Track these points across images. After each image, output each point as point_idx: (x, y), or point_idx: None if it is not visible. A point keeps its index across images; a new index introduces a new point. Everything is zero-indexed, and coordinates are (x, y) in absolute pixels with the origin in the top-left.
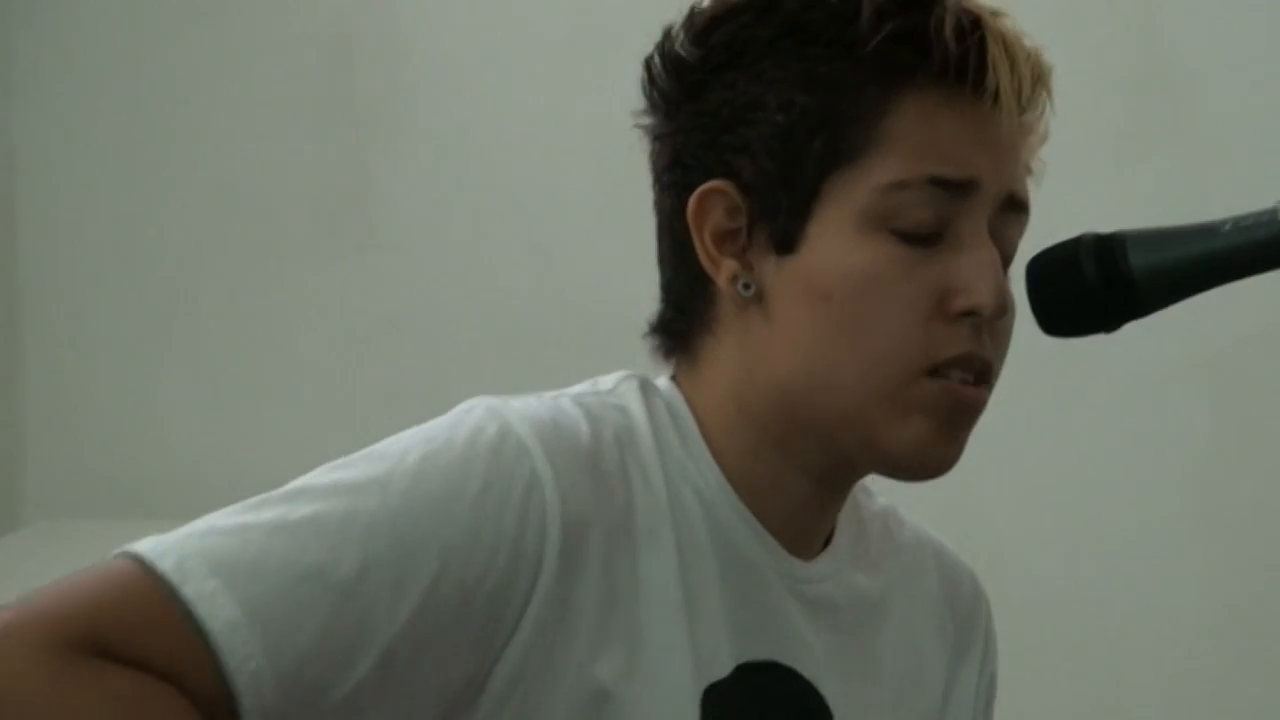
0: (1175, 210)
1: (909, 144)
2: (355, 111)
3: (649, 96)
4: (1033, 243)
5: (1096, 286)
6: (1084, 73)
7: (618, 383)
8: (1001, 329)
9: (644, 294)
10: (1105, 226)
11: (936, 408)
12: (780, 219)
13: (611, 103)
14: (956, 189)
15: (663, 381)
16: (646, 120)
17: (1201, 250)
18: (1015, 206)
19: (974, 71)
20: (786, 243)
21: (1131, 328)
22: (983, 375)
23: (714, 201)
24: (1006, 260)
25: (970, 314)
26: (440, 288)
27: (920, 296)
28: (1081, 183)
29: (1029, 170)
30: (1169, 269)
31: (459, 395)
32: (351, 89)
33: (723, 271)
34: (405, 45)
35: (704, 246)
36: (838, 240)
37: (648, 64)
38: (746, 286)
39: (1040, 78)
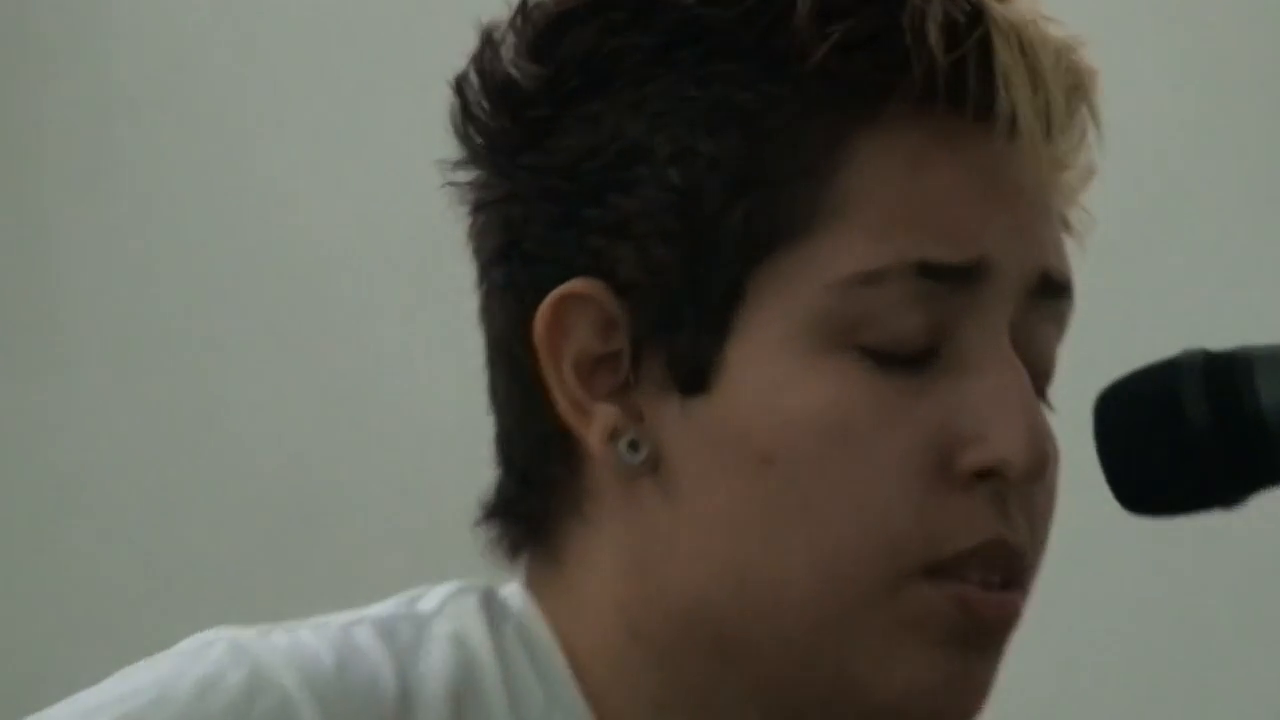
0: None
1: (881, 210)
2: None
3: (465, 140)
4: (1118, 354)
5: (1207, 437)
6: (1206, 80)
7: (447, 600)
8: (1040, 494)
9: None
10: (1232, 321)
11: (944, 629)
12: (684, 338)
13: (415, 157)
14: (958, 277)
15: (513, 594)
16: (463, 176)
17: None
18: (1051, 290)
19: (976, 90)
20: (695, 376)
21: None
22: (1014, 572)
23: (576, 313)
24: (1043, 376)
25: (991, 474)
26: (160, 423)
27: (912, 452)
28: (1201, 247)
29: (1068, 228)
30: None
31: (209, 589)
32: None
33: (595, 423)
34: (102, 83)
35: (563, 384)
36: (776, 367)
37: (459, 87)
38: (634, 446)
39: (1079, 88)
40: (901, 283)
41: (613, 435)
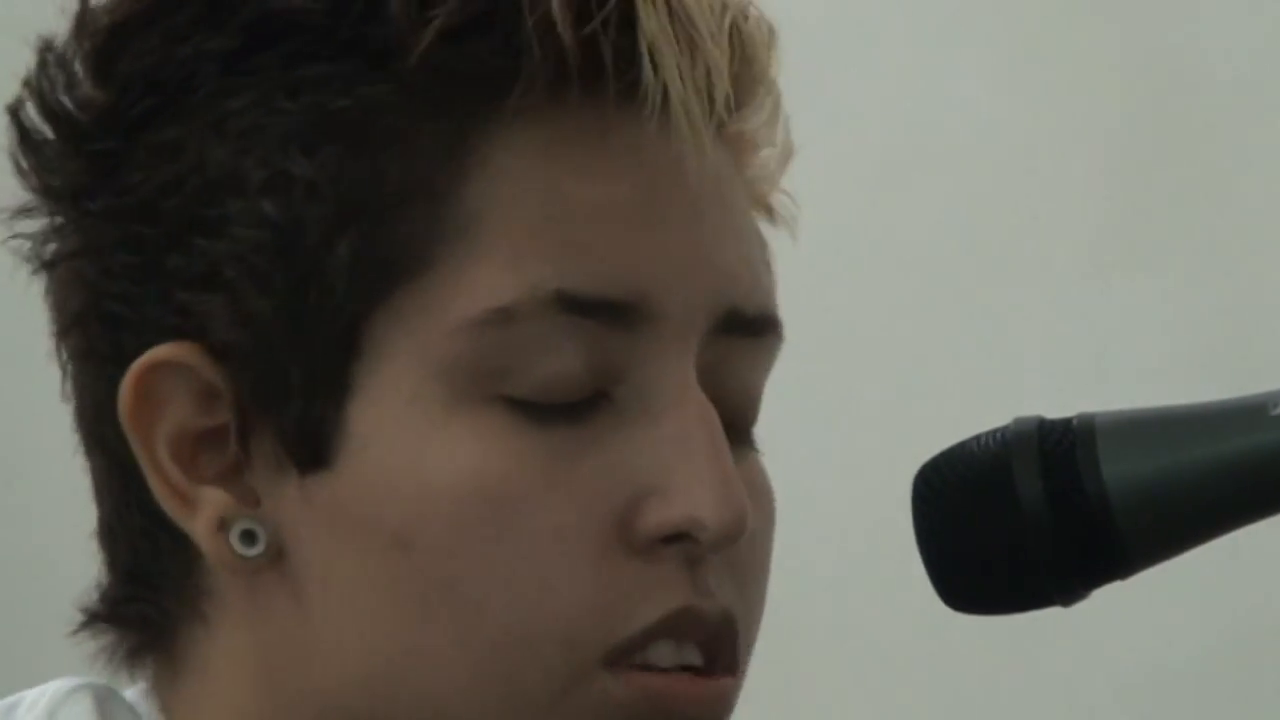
0: (1187, 342)
1: (513, 232)
2: None
3: (29, 180)
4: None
5: (1042, 522)
6: (1061, 120)
7: (55, 706)
8: (746, 552)
9: None
10: (1079, 365)
11: None
12: (294, 406)
13: None
14: (611, 314)
15: (140, 696)
16: (34, 227)
17: (1234, 451)
18: (746, 327)
19: (615, 67)
20: (312, 448)
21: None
22: (715, 646)
23: (168, 383)
24: (744, 418)
25: (680, 537)
26: None
27: (577, 518)
28: (1046, 294)
29: (770, 214)
30: (1172, 487)
31: None
32: None
33: (201, 514)
34: None
35: (159, 469)
36: (406, 431)
37: (15, 116)
38: (249, 538)
39: (749, 49)
40: (542, 320)
41: (222, 525)
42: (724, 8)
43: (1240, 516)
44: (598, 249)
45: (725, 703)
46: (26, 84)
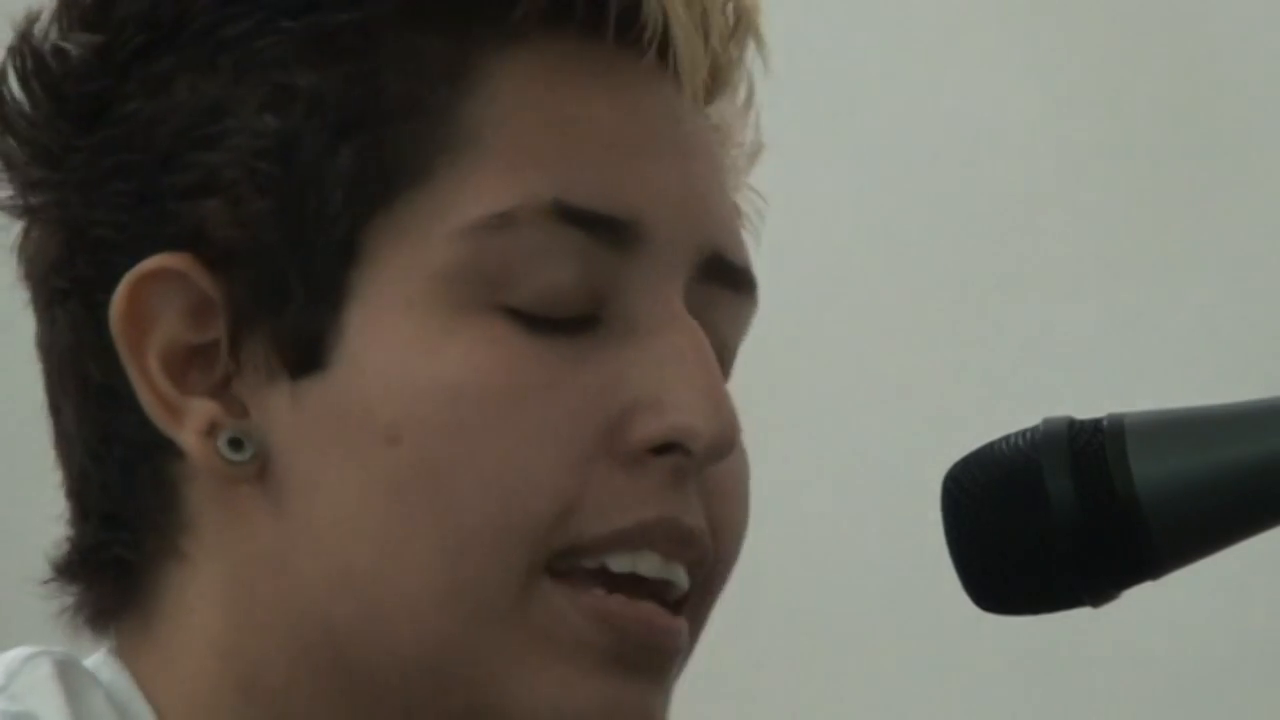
0: (1219, 349)
1: (514, 143)
2: None
3: (12, 145)
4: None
5: (1071, 522)
6: (1093, 127)
7: (12, 673)
8: (726, 482)
9: None
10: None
11: (582, 648)
12: (291, 310)
13: None
14: (606, 230)
15: (101, 662)
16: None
17: (1265, 451)
18: (728, 276)
19: (622, 10)
20: (306, 352)
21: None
22: (693, 563)
23: (161, 296)
24: (722, 367)
25: (670, 448)
26: None
27: (566, 420)
28: (1077, 298)
29: (738, 214)
30: (1202, 487)
31: None
32: None
33: (189, 423)
34: None
35: (150, 382)
36: (403, 333)
37: None
38: (236, 445)
39: (744, 24)
40: (539, 228)
41: (210, 431)
42: None
43: (1271, 517)
44: (594, 167)
45: (679, 638)
46: (8, 53)
